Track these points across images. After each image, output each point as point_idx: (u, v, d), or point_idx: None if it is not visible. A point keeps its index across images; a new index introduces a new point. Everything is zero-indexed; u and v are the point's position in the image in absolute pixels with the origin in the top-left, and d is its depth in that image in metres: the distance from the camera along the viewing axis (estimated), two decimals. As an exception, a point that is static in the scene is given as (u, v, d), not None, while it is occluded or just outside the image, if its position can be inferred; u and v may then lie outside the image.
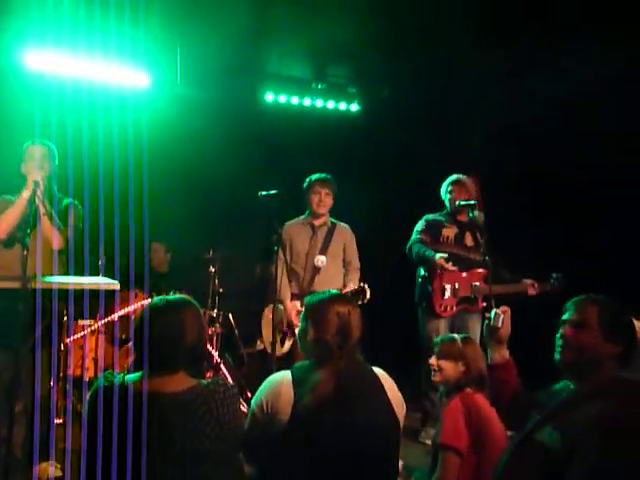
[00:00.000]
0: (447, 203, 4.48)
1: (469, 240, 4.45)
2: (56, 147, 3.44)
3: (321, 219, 4.28)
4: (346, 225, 4.41)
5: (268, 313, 4.19)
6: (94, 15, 4.36)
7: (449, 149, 5.39)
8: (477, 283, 4.31)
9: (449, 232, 4.43)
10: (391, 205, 5.72)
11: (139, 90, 5.28)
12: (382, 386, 2.08)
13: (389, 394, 2.07)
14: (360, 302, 3.72)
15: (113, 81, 5.17)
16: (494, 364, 2.30)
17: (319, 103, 6.04)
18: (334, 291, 2.25)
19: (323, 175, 4.30)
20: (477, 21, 4.48)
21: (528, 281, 4.36)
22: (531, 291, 4.34)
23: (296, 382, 1.98)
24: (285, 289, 4.16)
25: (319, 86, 6.00)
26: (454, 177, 4.48)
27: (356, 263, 4.36)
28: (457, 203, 4.28)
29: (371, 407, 2.01)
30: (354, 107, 6.17)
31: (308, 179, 4.31)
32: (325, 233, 4.29)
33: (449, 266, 4.17)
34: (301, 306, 3.75)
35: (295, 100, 5.98)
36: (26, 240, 2.60)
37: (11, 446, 2.66)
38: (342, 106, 6.13)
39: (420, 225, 4.49)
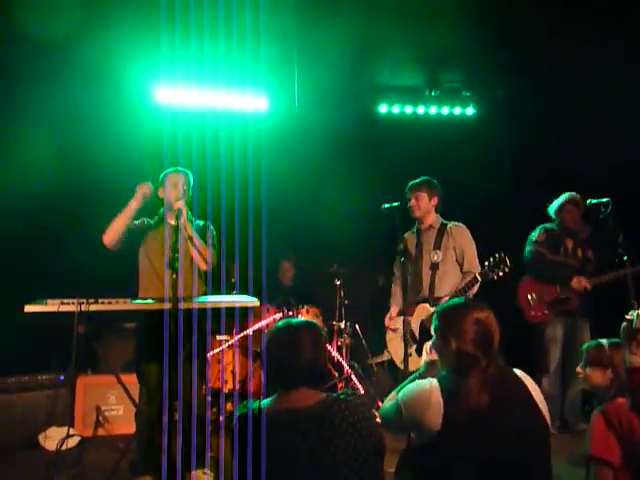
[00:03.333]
0: (558, 218, 4.56)
1: (580, 253, 4.55)
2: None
3: (425, 223, 4.08)
4: (458, 224, 4.06)
5: (388, 324, 4.17)
6: (216, 46, 4.65)
7: (569, 146, 5.20)
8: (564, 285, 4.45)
9: (568, 245, 4.55)
10: (512, 206, 5.57)
11: (259, 114, 5.55)
12: (527, 388, 2.05)
13: (534, 395, 2.04)
14: (501, 273, 3.56)
15: (235, 107, 5.47)
16: (634, 367, 2.19)
17: (433, 110, 6.02)
18: (467, 299, 2.23)
19: (410, 182, 4.12)
20: (593, 15, 4.33)
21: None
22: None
23: (445, 392, 1.99)
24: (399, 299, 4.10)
25: (432, 93, 5.97)
26: (568, 196, 4.53)
27: (472, 265, 3.91)
28: (589, 202, 4.13)
29: (523, 411, 2.00)
30: (470, 111, 6.07)
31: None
32: (432, 236, 4.01)
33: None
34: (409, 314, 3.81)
35: (409, 109, 6.00)
36: (175, 264, 2.81)
37: (170, 454, 2.86)
38: (457, 111, 6.06)
39: (537, 235, 4.59)
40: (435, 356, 2.31)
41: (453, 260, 3.94)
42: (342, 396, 1.94)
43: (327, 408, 1.87)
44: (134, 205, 3.33)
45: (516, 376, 2.10)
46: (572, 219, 4.50)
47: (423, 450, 2.06)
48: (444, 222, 4.06)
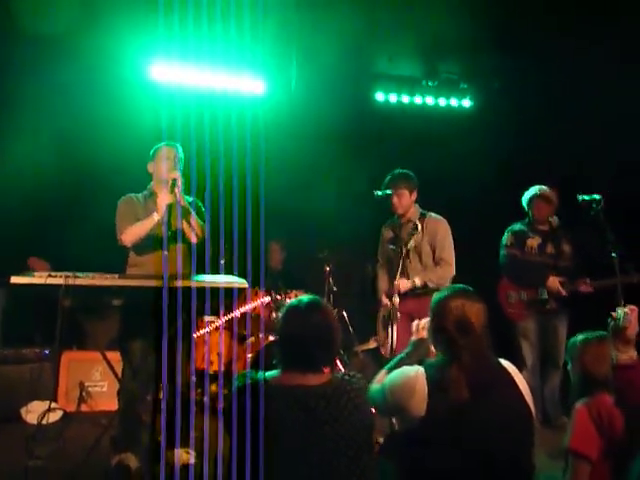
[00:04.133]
0: (531, 213, 4.57)
1: (550, 248, 4.53)
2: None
3: (405, 217, 4.08)
4: (437, 217, 4.10)
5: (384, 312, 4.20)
6: (214, 27, 4.60)
7: (567, 139, 5.22)
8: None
9: (533, 242, 4.54)
10: (508, 199, 5.58)
11: (256, 96, 5.51)
12: (512, 377, 2.08)
13: (519, 384, 2.07)
14: None
15: (232, 88, 5.43)
16: (620, 365, 2.21)
17: (430, 100, 6.00)
18: (458, 285, 2.25)
19: (390, 176, 4.09)
20: (591, 7, 4.33)
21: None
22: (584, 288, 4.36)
23: (430, 381, 2.01)
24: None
25: (430, 83, 5.96)
26: (538, 191, 4.52)
27: (446, 256, 4.00)
28: (580, 197, 4.12)
29: (506, 400, 2.02)
30: (466, 102, 6.06)
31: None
32: (409, 227, 3.96)
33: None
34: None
35: (406, 99, 5.98)
36: (169, 241, 2.79)
37: (153, 432, 2.86)
38: (454, 102, 6.05)
39: (507, 239, 4.63)
40: (422, 335, 2.35)
41: (427, 251, 4.02)
42: (346, 377, 1.97)
43: (335, 388, 1.91)
44: (157, 217, 3.29)
45: (501, 366, 2.12)
46: (539, 214, 4.51)
47: (406, 437, 2.08)
48: (422, 212, 4.10)
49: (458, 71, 5.98)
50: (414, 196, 4.08)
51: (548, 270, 4.44)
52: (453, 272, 4.02)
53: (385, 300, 4.07)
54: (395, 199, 4.02)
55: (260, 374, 1.97)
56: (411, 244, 3.93)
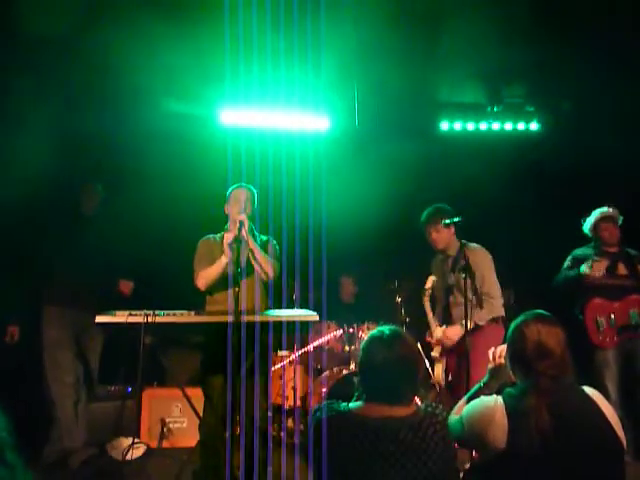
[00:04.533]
0: (594, 236, 4.42)
1: (622, 269, 4.35)
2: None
3: (448, 251, 4.04)
4: (476, 246, 3.97)
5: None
6: (278, 68, 4.77)
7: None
8: (633, 310, 4.24)
9: (600, 266, 4.33)
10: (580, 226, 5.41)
11: (320, 133, 5.63)
12: (599, 407, 1.99)
13: (607, 413, 1.98)
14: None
15: (296, 127, 5.58)
16: None
17: (496, 126, 5.93)
18: (535, 311, 2.20)
19: (427, 212, 4.06)
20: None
21: None
22: None
23: (510, 410, 1.96)
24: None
25: (495, 109, 5.89)
26: (605, 213, 4.39)
27: (489, 290, 3.81)
28: None
29: (593, 431, 1.94)
30: (534, 126, 5.95)
31: None
32: (453, 260, 3.98)
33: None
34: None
35: (471, 126, 5.94)
36: (238, 278, 2.88)
37: (232, 466, 2.90)
38: (521, 126, 5.95)
39: (567, 263, 4.49)
40: (499, 362, 2.30)
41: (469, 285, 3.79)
42: (430, 409, 1.96)
43: (422, 420, 1.90)
44: (224, 260, 3.39)
45: (586, 395, 2.04)
46: (610, 236, 4.35)
47: (487, 468, 2.02)
48: (462, 243, 3.93)
49: (523, 94, 5.90)
50: (453, 229, 3.98)
51: (627, 292, 4.25)
52: (499, 306, 3.86)
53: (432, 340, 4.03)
54: (434, 235, 3.98)
55: (343, 405, 1.98)
56: (452, 281, 3.90)
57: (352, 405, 1.98)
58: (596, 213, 4.42)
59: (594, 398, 2.02)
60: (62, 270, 4.05)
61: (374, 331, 2.08)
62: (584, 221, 4.48)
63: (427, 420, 1.90)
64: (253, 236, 3.54)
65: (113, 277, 4.26)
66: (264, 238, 3.67)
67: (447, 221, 3.89)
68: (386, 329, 2.06)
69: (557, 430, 1.89)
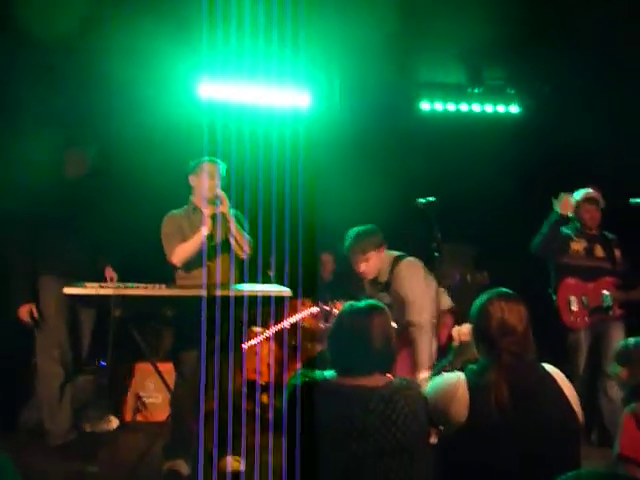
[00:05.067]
0: (575, 217, 4.39)
1: (599, 251, 4.36)
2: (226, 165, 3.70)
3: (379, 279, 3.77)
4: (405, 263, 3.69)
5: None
6: (258, 43, 4.71)
7: (621, 145, 5.06)
8: (606, 291, 4.24)
9: (578, 246, 4.36)
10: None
11: (301, 110, 5.59)
12: (558, 384, 2.03)
13: (566, 392, 2.02)
14: None
15: (277, 103, 5.53)
16: None
17: (477, 108, 5.94)
18: (498, 289, 2.22)
19: (347, 244, 3.71)
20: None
21: None
22: None
23: (470, 385, 2.00)
24: None
25: (475, 90, 5.90)
26: (586, 194, 4.36)
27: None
28: (631, 201, 3.98)
29: (551, 407, 1.97)
30: (514, 108, 5.97)
31: None
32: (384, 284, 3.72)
33: (567, 201, 4.20)
34: None
35: (451, 107, 5.94)
36: (211, 252, 2.87)
37: (205, 440, 2.91)
38: (501, 108, 5.96)
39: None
40: (461, 340, 2.33)
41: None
42: (404, 382, 1.99)
43: (394, 392, 1.92)
44: (205, 232, 3.35)
45: (546, 372, 2.07)
46: (592, 219, 4.34)
47: (449, 443, 2.05)
48: (394, 259, 3.66)
49: (504, 76, 5.90)
50: (382, 251, 3.66)
51: (602, 274, 4.28)
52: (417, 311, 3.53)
53: None
54: (363, 266, 3.61)
55: (318, 373, 2.00)
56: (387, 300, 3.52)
57: (327, 373, 2.01)
58: (580, 193, 4.39)
59: (554, 376, 2.05)
60: (54, 240, 3.84)
61: (351, 302, 2.10)
62: (555, 197, 4.37)
63: (399, 393, 1.91)
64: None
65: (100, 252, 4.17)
66: (233, 211, 3.62)
67: (422, 201, 3.79)
68: (366, 301, 2.09)
69: (516, 405, 1.92)
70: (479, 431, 1.94)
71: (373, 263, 3.61)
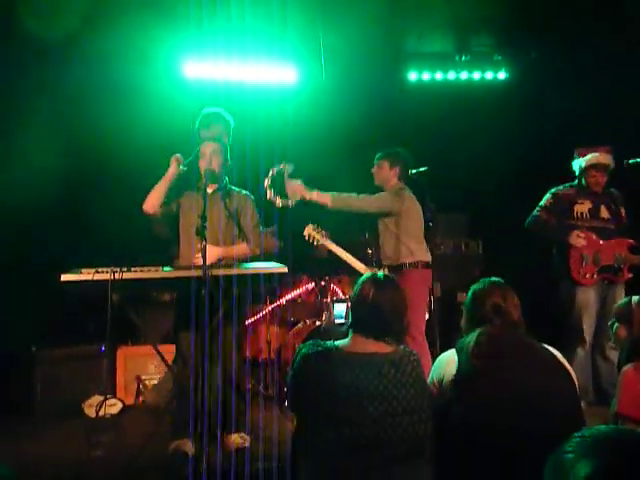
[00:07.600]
0: (584, 181, 4.31)
1: (605, 212, 4.28)
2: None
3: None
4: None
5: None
6: (244, 21, 4.65)
7: (607, 109, 5.05)
8: (621, 253, 4.19)
9: (582, 207, 4.27)
10: (548, 173, 5.46)
11: (287, 85, 5.54)
12: (555, 357, 2.07)
13: (559, 358, 2.07)
14: None
15: (263, 80, 5.48)
16: None
17: (464, 75, 5.90)
18: (492, 279, 2.27)
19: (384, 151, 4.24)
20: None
21: None
22: None
23: (457, 350, 2.10)
24: None
25: (463, 58, 5.86)
26: (596, 160, 4.25)
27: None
28: (626, 162, 3.94)
29: (542, 368, 2.01)
30: (501, 75, 5.94)
31: None
32: None
33: (582, 241, 4.17)
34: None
35: (439, 76, 5.90)
36: (203, 232, 2.85)
37: (209, 418, 2.93)
38: (489, 75, 5.93)
39: (545, 200, 4.37)
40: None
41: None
42: (407, 349, 2.09)
43: (401, 357, 2.02)
44: (172, 171, 3.35)
45: (541, 346, 2.11)
46: (596, 184, 4.27)
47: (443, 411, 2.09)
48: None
49: (490, 43, 5.86)
50: (396, 172, 4.13)
51: (611, 234, 4.22)
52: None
53: None
54: (375, 168, 4.19)
55: (329, 342, 2.07)
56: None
57: (338, 342, 2.09)
58: (588, 157, 4.29)
59: (545, 346, 2.11)
60: None
61: (370, 272, 2.22)
62: (574, 158, 4.37)
63: (406, 358, 2.01)
64: (229, 193, 3.53)
65: None
66: (243, 192, 3.62)
67: (413, 171, 3.86)
68: (381, 274, 2.20)
69: (498, 365, 1.99)
70: (461, 391, 2.02)
71: (381, 172, 4.16)
